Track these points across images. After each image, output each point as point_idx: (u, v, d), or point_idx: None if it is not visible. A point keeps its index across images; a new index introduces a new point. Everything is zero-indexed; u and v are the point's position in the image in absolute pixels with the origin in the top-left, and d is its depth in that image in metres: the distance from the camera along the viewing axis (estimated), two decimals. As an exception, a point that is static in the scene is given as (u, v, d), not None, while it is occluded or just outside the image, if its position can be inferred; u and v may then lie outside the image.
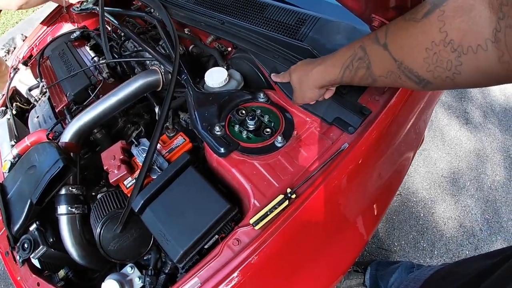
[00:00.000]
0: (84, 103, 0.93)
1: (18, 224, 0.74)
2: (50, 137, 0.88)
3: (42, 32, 1.49)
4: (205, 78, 0.75)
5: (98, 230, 0.65)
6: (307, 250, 0.60)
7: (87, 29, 1.32)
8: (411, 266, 0.99)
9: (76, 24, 1.42)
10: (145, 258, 0.74)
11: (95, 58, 1.05)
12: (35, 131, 0.95)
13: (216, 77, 0.73)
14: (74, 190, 0.77)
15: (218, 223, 0.56)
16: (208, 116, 0.65)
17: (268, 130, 0.64)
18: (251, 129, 0.65)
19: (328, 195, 0.55)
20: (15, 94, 1.31)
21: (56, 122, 0.94)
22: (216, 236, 0.58)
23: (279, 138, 0.61)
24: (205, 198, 0.57)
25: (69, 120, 0.89)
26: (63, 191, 0.76)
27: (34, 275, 0.73)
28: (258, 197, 0.56)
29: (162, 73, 0.84)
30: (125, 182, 0.68)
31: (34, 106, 1.24)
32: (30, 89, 1.27)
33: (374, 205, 0.67)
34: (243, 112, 0.67)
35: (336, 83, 0.51)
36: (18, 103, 1.26)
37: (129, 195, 0.66)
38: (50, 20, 1.50)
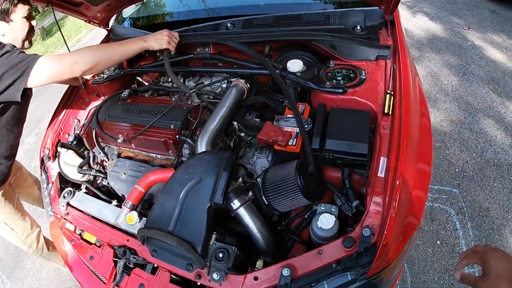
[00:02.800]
0: (193, 126, 1.23)
1: (201, 240, 0.87)
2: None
3: (63, 115, 1.69)
4: (289, 67, 1.22)
5: (298, 178, 0.91)
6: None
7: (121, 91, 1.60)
8: None
9: (102, 95, 1.69)
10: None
11: (175, 96, 1.40)
12: (143, 176, 1.19)
13: (297, 65, 1.23)
14: (239, 181, 1.03)
15: (370, 124, 1.03)
16: (315, 80, 1.15)
17: (352, 74, 1.17)
18: (340, 79, 1.16)
19: (407, 81, 1.08)
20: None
21: (180, 147, 1.20)
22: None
23: (363, 73, 1.14)
24: (354, 116, 1.04)
25: (190, 142, 1.17)
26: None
27: (247, 274, 0.85)
28: (376, 103, 1.06)
29: (243, 83, 1.28)
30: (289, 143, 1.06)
31: (85, 183, 1.42)
32: (80, 166, 1.47)
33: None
34: (329, 73, 1.18)
35: None
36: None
37: (297, 149, 1.03)
38: (66, 102, 1.73)
